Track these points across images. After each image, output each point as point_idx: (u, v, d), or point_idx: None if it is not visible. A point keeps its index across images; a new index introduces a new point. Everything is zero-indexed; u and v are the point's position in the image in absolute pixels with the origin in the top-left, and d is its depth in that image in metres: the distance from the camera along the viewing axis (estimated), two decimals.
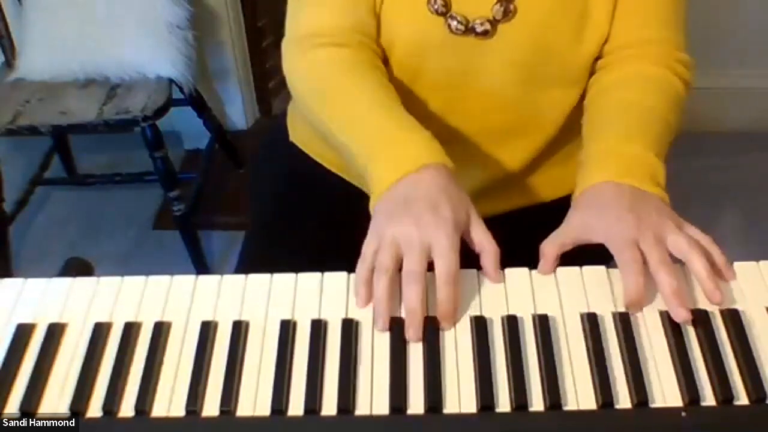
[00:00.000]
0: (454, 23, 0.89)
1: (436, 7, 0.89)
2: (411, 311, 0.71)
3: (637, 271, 0.73)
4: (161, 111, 1.72)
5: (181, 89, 1.85)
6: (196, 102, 1.96)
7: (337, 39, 0.91)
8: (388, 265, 0.72)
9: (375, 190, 0.79)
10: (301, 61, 0.93)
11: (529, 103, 0.95)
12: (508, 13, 0.89)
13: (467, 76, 0.93)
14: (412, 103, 0.96)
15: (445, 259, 0.72)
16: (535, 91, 0.94)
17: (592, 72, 0.95)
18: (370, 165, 0.81)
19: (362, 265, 0.74)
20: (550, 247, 0.78)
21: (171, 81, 1.80)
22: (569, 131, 0.99)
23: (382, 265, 0.72)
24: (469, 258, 0.78)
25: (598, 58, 0.94)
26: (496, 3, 0.88)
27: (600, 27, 0.91)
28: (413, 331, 0.70)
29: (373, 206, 0.79)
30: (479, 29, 0.89)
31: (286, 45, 0.95)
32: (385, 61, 0.95)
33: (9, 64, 1.86)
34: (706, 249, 0.76)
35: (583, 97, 0.96)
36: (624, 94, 0.89)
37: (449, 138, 0.98)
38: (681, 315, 0.71)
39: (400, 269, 0.73)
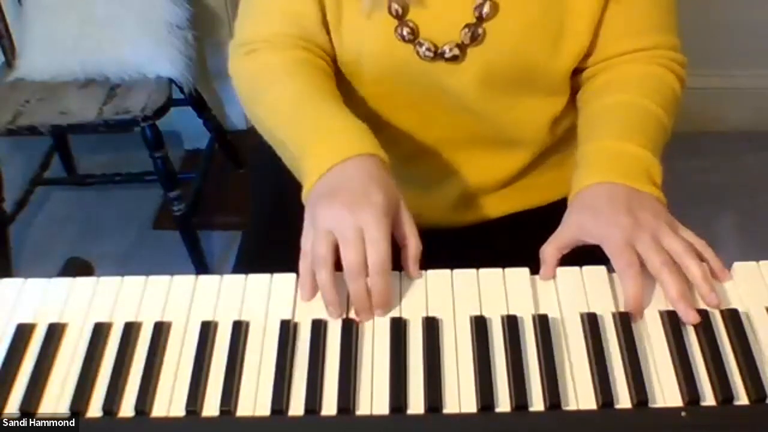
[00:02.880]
0: (422, 49, 0.88)
1: (403, 34, 0.87)
2: (358, 306, 0.72)
3: (635, 275, 0.73)
4: (161, 111, 1.72)
5: (181, 89, 1.85)
6: (196, 102, 1.96)
7: (279, 44, 0.91)
8: (325, 256, 0.72)
9: (306, 181, 0.79)
10: (241, 64, 0.93)
11: (509, 115, 0.94)
12: (476, 37, 0.87)
13: (442, 93, 0.92)
14: (390, 119, 0.96)
15: (376, 248, 0.72)
16: (512, 104, 0.93)
17: (577, 83, 0.94)
18: (303, 157, 0.80)
19: (304, 260, 0.75)
20: (550, 250, 0.78)
21: (171, 81, 1.80)
22: (560, 139, 0.98)
23: (319, 258, 0.73)
24: (461, 260, 0.78)
25: (584, 68, 0.93)
26: (464, 27, 0.87)
27: (579, 40, 0.89)
28: (364, 316, 0.73)
29: (305, 197, 0.79)
30: (448, 54, 0.88)
31: (231, 49, 0.96)
32: (357, 77, 0.94)
33: (9, 64, 1.86)
34: (700, 252, 0.76)
35: (569, 105, 0.95)
36: (618, 95, 0.89)
37: (432, 149, 0.98)
38: (690, 317, 0.71)
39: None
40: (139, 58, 1.77)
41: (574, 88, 0.96)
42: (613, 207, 0.77)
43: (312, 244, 0.74)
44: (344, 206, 0.73)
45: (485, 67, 0.89)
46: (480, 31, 0.87)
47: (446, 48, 0.88)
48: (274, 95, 0.88)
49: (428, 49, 0.88)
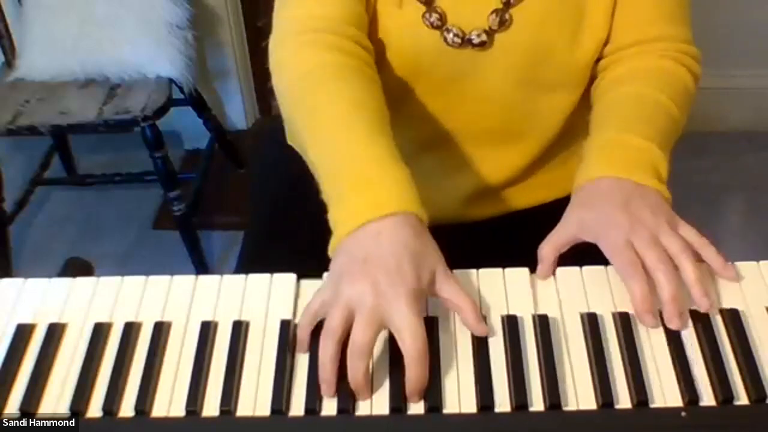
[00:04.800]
0: (450, 36, 0.88)
1: (431, 20, 0.88)
2: (357, 386, 0.66)
3: (638, 273, 0.71)
4: (161, 111, 1.72)
5: (181, 89, 1.85)
6: (196, 102, 1.96)
7: (329, 35, 0.84)
8: (335, 329, 0.67)
9: (337, 231, 0.73)
10: (291, 57, 0.86)
11: (528, 106, 0.95)
12: (504, 23, 0.88)
13: (464, 82, 0.93)
14: (408, 106, 0.96)
15: (411, 332, 0.65)
16: (533, 95, 0.94)
17: (593, 75, 0.95)
18: (335, 199, 0.75)
19: (307, 311, 0.71)
20: (548, 249, 0.77)
21: (171, 81, 1.80)
22: (569, 134, 0.99)
23: (330, 329, 0.67)
24: (467, 256, 0.78)
25: (599, 59, 0.93)
26: (491, 13, 0.87)
27: (598, 29, 0.90)
28: (361, 396, 0.67)
29: (333, 249, 0.73)
30: (476, 41, 0.88)
31: (276, 36, 0.89)
32: (378, 64, 0.93)
33: (9, 64, 1.86)
34: (700, 251, 0.75)
35: (582, 100, 0.96)
36: (629, 87, 0.88)
37: (447, 140, 0.98)
38: (674, 323, 0.70)
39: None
40: (139, 58, 1.77)
41: (591, 82, 0.96)
42: (611, 204, 0.76)
43: (323, 302, 0.70)
44: (371, 284, 0.67)
45: (511, 53, 0.89)
46: (507, 16, 0.87)
47: (474, 34, 0.88)
48: (316, 110, 0.81)
49: (456, 35, 0.88)
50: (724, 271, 0.75)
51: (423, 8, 0.88)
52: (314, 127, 0.81)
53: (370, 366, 0.68)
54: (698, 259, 0.74)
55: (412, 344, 0.65)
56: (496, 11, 0.87)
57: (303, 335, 0.71)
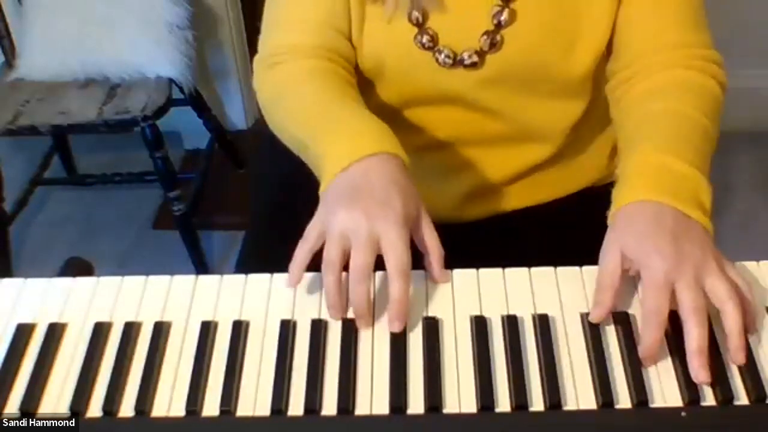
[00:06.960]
0: (441, 57, 0.88)
1: (423, 41, 0.88)
2: (359, 310, 0.71)
3: (657, 325, 0.68)
4: (161, 111, 1.72)
5: (181, 89, 1.86)
6: (196, 102, 1.96)
7: (300, 54, 0.90)
8: (334, 260, 0.71)
9: (325, 176, 0.76)
10: (266, 75, 0.92)
11: (527, 114, 0.94)
12: (495, 44, 0.87)
13: (460, 96, 0.92)
14: (405, 116, 0.96)
15: (396, 252, 0.70)
16: (531, 104, 0.93)
17: (598, 81, 0.93)
18: (324, 155, 0.78)
19: (303, 245, 0.74)
20: (608, 295, 0.71)
21: (171, 81, 1.80)
22: (568, 138, 0.98)
23: (330, 260, 0.71)
24: (466, 256, 0.78)
25: (598, 67, 0.92)
26: (483, 35, 0.87)
27: (596, 41, 0.88)
28: (363, 322, 0.71)
29: (323, 190, 0.76)
30: (467, 61, 0.88)
31: (254, 64, 0.95)
32: (374, 79, 0.94)
33: (9, 64, 1.86)
34: (743, 296, 0.70)
35: (582, 104, 0.95)
36: (659, 104, 0.83)
37: (444, 144, 0.98)
38: (701, 376, 0.66)
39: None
40: (139, 58, 1.77)
41: (599, 91, 0.94)
42: (658, 232, 0.70)
43: (318, 235, 0.73)
44: (363, 212, 0.71)
45: (503, 71, 0.89)
46: (498, 38, 0.87)
47: (465, 55, 0.88)
48: (294, 99, 0.87)
49: (447, 56, 0.88)
50: (751, 324, 0.70)
51: (415, 30, 0.88)
52: (295, 112, 0.86)
53: (372, 297, 0.72)
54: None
55: (392, 261, 0.70)
56: (487, 33, 0.87)
57: (298, 269, 0.73)
